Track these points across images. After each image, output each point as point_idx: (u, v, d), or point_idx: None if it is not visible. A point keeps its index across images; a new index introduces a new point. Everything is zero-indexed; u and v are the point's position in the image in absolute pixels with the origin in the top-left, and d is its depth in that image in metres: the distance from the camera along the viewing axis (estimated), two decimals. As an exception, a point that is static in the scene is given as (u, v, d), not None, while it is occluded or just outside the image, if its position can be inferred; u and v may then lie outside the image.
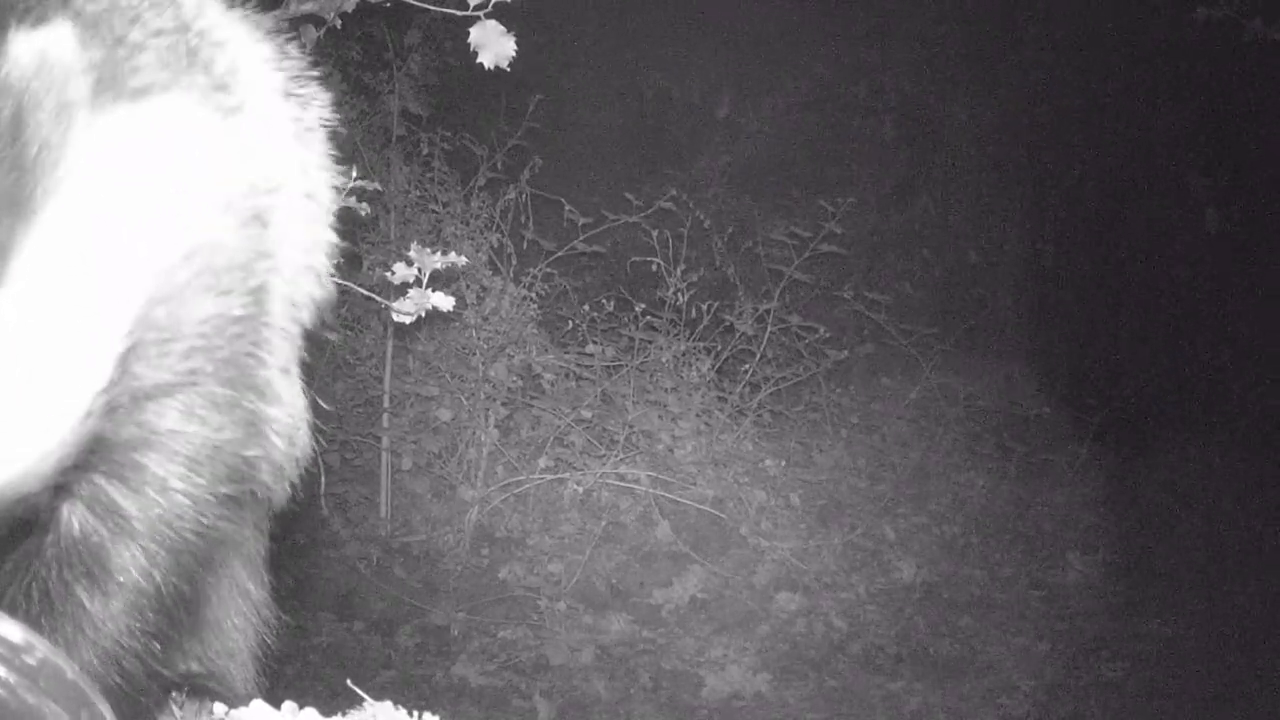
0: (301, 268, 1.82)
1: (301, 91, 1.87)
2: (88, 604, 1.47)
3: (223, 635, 2.00)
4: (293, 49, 1.92)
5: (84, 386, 1.28)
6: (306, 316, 1.91)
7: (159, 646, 1.53)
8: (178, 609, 1.55)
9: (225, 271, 1.49)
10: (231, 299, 1.50)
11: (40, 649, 1.19)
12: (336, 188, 2.03)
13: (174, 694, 1.86)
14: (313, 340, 2.02)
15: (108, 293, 1.32)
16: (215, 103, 1.53)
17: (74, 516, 1.47)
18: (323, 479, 6.54)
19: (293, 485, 2.07)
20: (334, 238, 1.99)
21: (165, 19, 1.51)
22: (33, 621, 1.44)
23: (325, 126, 1.94)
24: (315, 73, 1.93)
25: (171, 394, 1.46)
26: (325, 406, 2.18)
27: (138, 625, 1.50)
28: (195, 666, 1.95)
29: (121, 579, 1.48)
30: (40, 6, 1.30)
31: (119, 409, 1.38)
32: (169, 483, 1.48)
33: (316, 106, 1.90)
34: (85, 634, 1.48)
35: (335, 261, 2.09)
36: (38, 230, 1.22)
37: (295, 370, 2.03)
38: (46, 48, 1.24)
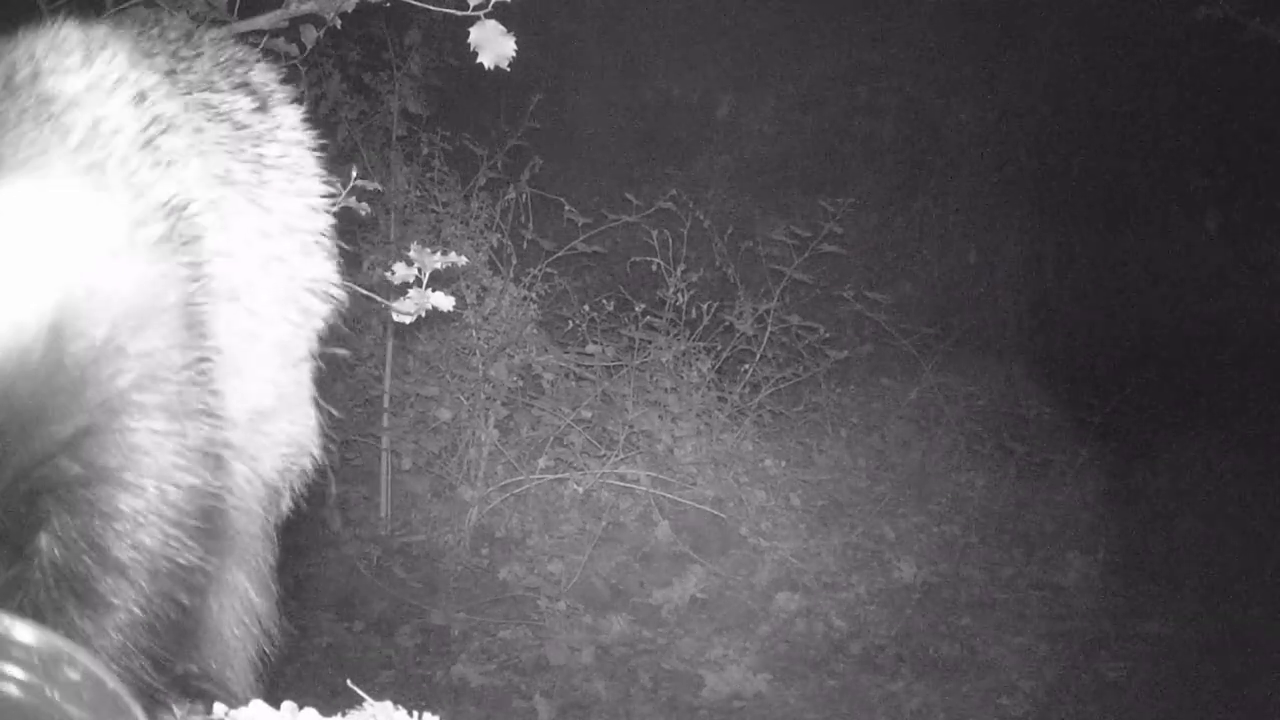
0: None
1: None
2: (78, 622, 1.49)
3: (221, 643, 2.00)
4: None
5: None
6: (310, 328, 1.92)
7: (150, 664, 1.54)
8: (169, 633, 1.56)
9: (154, 308, 1.51)
10: (166, 331, 1.52)
11: (81, 661, 1.20)
12: (333, 191, 2.04)
13: (170, 694, 1.86)
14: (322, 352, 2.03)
15: None
16: (77, 163, 1.57)
17: (54, 547, 1.49)
18: (332, 483, 6.55)
19: (295, 492, 2.08)
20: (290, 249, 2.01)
21: (26, 99, 1.56)
22: None
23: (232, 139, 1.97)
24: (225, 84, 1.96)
25: (126, 428, 1.48)
26: (330, 411, 2.18)
27: (131, 645, 1.52)
28: (193, 668, 1.95)
29: (112, 601, 1.50)
30: None
31: (77, 445, 1.41)
32: (139, 517, 1.50)
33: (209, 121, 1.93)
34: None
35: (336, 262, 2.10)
36: None
37: (307, 381, 2.04)
38: None
